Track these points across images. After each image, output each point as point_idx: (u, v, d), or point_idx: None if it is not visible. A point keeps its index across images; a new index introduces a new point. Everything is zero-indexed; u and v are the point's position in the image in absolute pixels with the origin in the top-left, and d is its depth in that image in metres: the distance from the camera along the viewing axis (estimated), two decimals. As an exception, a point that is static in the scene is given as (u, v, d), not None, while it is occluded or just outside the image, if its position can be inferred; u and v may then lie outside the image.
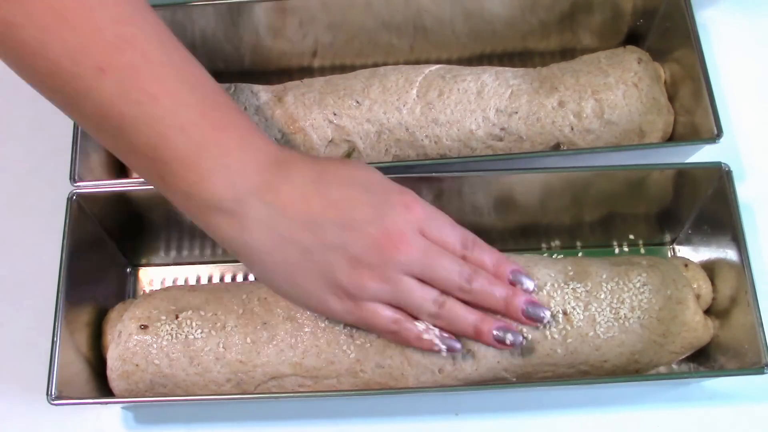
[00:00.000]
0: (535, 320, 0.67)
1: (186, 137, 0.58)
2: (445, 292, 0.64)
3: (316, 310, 0.66)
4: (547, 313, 0.67)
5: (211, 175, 0.59)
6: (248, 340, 0.70)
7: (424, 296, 0.63)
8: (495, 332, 0.65)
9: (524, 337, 0.67)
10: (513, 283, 0.67)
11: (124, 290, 0.82)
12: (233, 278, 0.82)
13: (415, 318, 0.65)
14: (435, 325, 0.65)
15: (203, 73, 0.61)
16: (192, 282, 0.82)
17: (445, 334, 0.66)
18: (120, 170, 0.82)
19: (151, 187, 0.62)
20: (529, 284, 0.67)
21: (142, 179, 0.77)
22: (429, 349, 0.66)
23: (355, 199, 0.62)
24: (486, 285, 0.65)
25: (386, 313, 0.64)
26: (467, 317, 0.65)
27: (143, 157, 0.59)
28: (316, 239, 0.61)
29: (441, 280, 0.64)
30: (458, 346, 0.66)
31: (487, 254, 0.67)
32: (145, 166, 0.60)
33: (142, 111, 0.56)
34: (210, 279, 0.83)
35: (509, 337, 0.65)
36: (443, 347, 0.66)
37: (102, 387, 0.72)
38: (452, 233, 0.65)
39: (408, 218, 0.63)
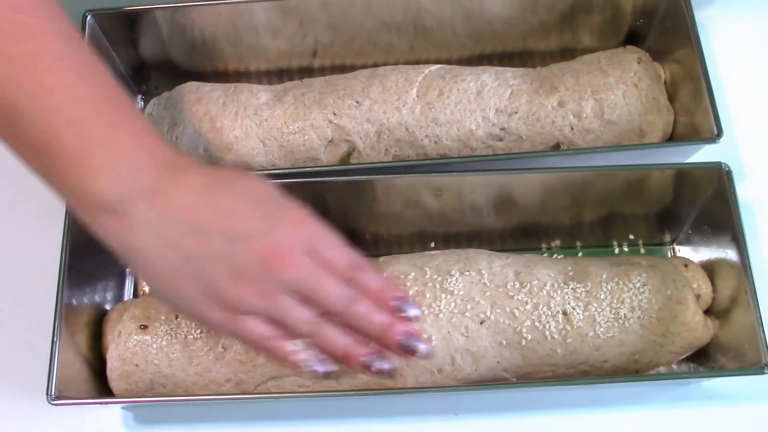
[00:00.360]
0: (408, 352, 0.65)
1: (76, 132, 0.57)
2: (324, 313, 0.63)
3: (194, 317, 0.65)
4: (423, 347, 0.65)
5: (99, 172, 0.58)
6: (248, 340, 0.70)
7: (301, 317, 0.62)
8: (363, 359, 0.64)
9: (392, 365, 0.65)
10: (396, 310, 0.65)
11: (124, 290, 0.82)
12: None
13: (292, 335, 0.64)
14: (311, 344, 0.64)
15: (102, 69, 0.60)
16: (192, 282, 0.82)
17: (321, 355, 0.65)
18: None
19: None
20: (412, 312, 0.66)
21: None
22: (301, 368, 0.65)
23: (245, 211, 0.61)
24: (364, 312, 0.64)
25: (261, 329, 0.62)
26: (339, 341, 0.64)
27: (32, 149, 0.58)
28: (201, 247, 0.60)
29: (321, 301, 0.62)
30: (332, 368, 0.65)
31: (372, 279, 0.65)
32: (33, 159, 0.59)
33: (34, 102, 0.56)
34: (210, 279, 0.82)
35: (376, 365, 0.65)
36: (318, 369, 0.64)
37: (102, 387, 0.72)
38: (340, 255, 0.64)
39: (297, 236, 0.61)
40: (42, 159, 0.58)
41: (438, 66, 0.83)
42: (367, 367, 0.65)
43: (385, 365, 0.65)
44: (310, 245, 0.62)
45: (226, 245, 0.60)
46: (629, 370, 0.72)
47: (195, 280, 0.60)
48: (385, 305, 0.65)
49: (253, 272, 0.60)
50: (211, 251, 0.60)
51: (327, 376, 0.66)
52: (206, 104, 0.81)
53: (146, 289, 0.82)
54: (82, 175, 0.58)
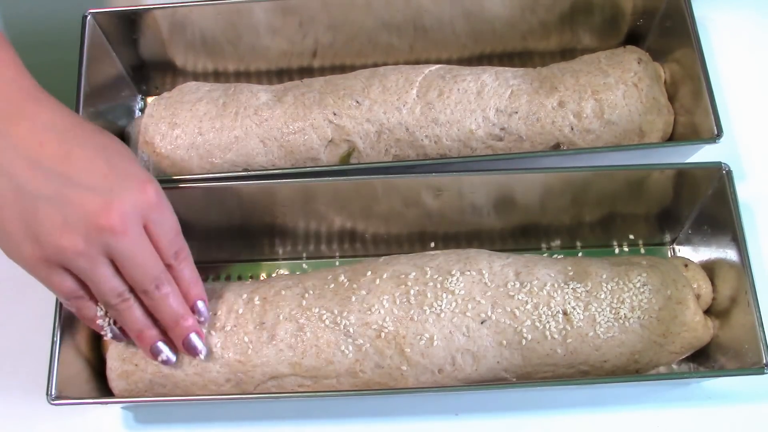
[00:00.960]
0: (189, 350, 0.68)
1: None
2: (133, 288, 0.64)
3: (8, 252, 0.63)
4: (203, 353, 0.68)
5: None
6: (247, 339, 0.70)
7: (111, 288, 0.63)
8: (152, 345, 0.67)
9: (174, 360, 0.68)
10: (194, 309, 0.68)
11: (124, 290, 0.82)
12: (228, 278, 0.82)
13: (95, 297, 0.65)
14: (108, 314, 0.66)
15: None
16: (192, 282, 0.82)
17: (117, 325, 0.67)
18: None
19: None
20: (203, 316, 0.68)
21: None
22: (97, 330, 0.67)
23: (93, 164, 0.60)
24: (168, 299, 0.65)
25: (70, 286, 0.62)
26: (136, 321, 0.65)
27: None
28: (35, 183, 0.59)
29: (134, 277, 0.63)
30: (122, 339, 0.68)
31: (188, 272, 0.67)
32: None
33: None
34: (209, 279, 0.82)
35: (162, 355, 0.67)
36: (110, 335, 0.67)
37: (102, 387, 0.72)
38: (170, 238, 0.64)
39: (136, 203, 0.61)
40: None
41: (438, 66, 0.83)
42: (153, 354, 0.67)
43: (171, 357, 0.68)
44: (146, 217, 0.62)
45: (61, 190, 0.59)
46: (629, 370, 0.72)
47: (19, 215, 0.59)
48: (188, 300, 0.67)
49: (79, 226, 0.59)
50: (44, 191, 0.59)
51: (118, 340, 0.69)
52: (206, 104, 0.81)
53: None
54: None
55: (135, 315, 0.65)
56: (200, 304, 0.68)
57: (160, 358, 0.68)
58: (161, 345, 0.67)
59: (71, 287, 0.63)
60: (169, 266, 0.65)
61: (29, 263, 0.62)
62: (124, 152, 0.64)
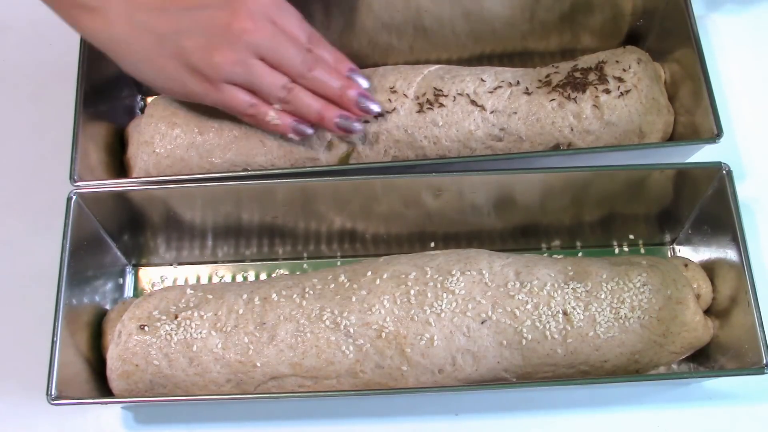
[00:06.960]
0: (365, 111, 0.74)
1: None
2: (290, 79, 0.70)
3: (179, 93, 0.72)
4: (377, 107, 0.74)
5: None
6: (248, 340, 0.70)
7: (274, 81, 0.70)
8: (336, 120, 0.72)
9: (361, 128, 0.74)
10: (349, 80, 0.73)
11: (124, 290, 0.82)
12: (233, 278, 0.82)
13: (269, 102, 0.71)
14: (284, 110, 0.72)
15: None
16: (192, 282, 0.82)
17: (296, 121, 0.73)
18: (120, 170, 0.82)
19: (151, 186, 0.62)
20: (363, 83, 0.75)
21: (141, 178, 0.77)
22: (282, 133, 0.73)
23: None
24: (325, 75, 0.71)
25: (243, 97, 0.70)
26: (312, 104, 0.72)
27: None
28: (170, 26, 0.67)
29: (286, 65, 0.69)
30: (309, 131, 0.74)
31: (328, 52, 0.73)
32: None
33: None
34: (210, 279, 0.83)
35: (347, 123, 0.73)
36: (299, 128, 0.73)
37: (102, 387, 0.72)
38: (299, 26, 0.71)
39: (256, 6, 0.68)
40: None
41: (437, 66, 0.83)
42: (341, 128, 0.73)
43: (356, 125, 0.74)
44: (270, 14, 0.69)
45: (190, 19, 0.67)
46: (629, 370, 0.72)
47: (171, 57, 0.68)
48: (341, 74, 0.73)
49: (219, 39, 0.67)
50: (179, 28, 0.67)
51: (303, 139, 0.74)
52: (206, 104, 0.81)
53: (147, 288, 0.82)
54: None
55: (307, 100, 0.71)
56: (354, 75, 0.73)
57: (345, 127, 0.72)
58: (341, 119, 0.72)
59: (246, 98, 0.70)
60: (309, 51, 0.71)
61: (201, 92, 0.70)
62: None
